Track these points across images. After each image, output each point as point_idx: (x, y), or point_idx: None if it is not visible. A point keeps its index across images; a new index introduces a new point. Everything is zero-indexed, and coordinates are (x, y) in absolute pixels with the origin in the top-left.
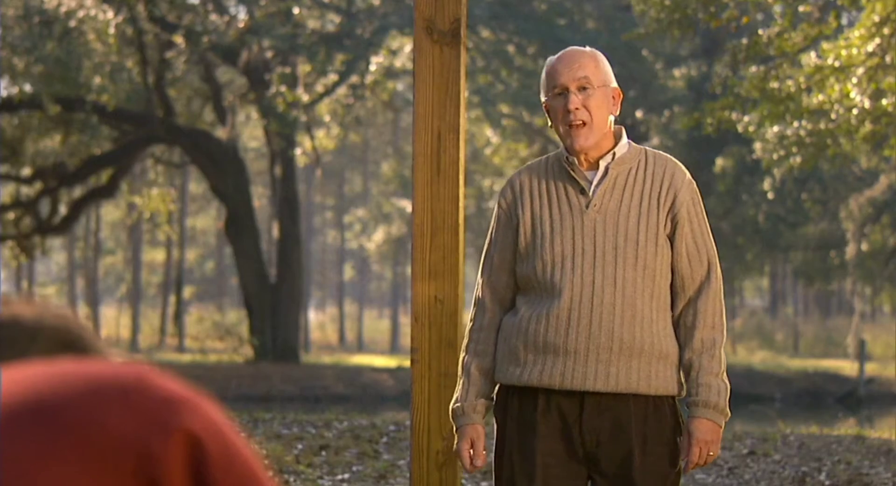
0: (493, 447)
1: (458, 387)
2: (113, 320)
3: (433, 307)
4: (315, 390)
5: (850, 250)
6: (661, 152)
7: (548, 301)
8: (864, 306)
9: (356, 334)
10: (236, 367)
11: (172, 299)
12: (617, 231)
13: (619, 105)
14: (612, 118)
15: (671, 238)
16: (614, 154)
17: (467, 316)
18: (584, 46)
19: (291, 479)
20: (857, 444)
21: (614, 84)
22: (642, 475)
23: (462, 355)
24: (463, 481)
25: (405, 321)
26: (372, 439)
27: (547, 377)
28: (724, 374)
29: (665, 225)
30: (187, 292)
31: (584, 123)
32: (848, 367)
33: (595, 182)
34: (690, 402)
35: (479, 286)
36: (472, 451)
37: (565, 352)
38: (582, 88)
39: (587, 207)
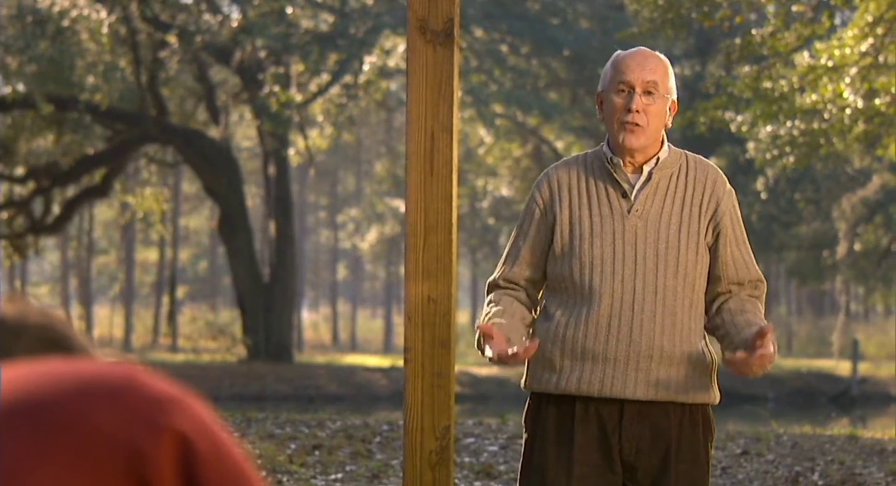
0: (522, 458)
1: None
2: (106, 320)
3: (426, 307)
4: (308, 389)
5: (841, 250)
6: (700, 157)
7: (584, 306)
8: (857, 306)
9: (349, 334)
10: (229, 366)
11: (166, 298)
12: (658, 238)
13: (672, 117)
14: (663, 130)
15: (713, 247)
16: (658, 158)
17: (461, 316)
18: (655, 51)
19: (284, 479)
20: (851, 444)
21: (675, 96)
22: (677, 482)
23: (486, 309)
24: (456, 480)
25: (398, 321)
26: (365, 438)
27: (586, 385)
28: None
29: (706, 234)
30: (180, 291)
31: (640, 126)
32: (841, 367)
33: (638, 186)
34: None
35: (498, 276)
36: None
37: (605, 359)
38: (648, 93)
39: (629, 211)
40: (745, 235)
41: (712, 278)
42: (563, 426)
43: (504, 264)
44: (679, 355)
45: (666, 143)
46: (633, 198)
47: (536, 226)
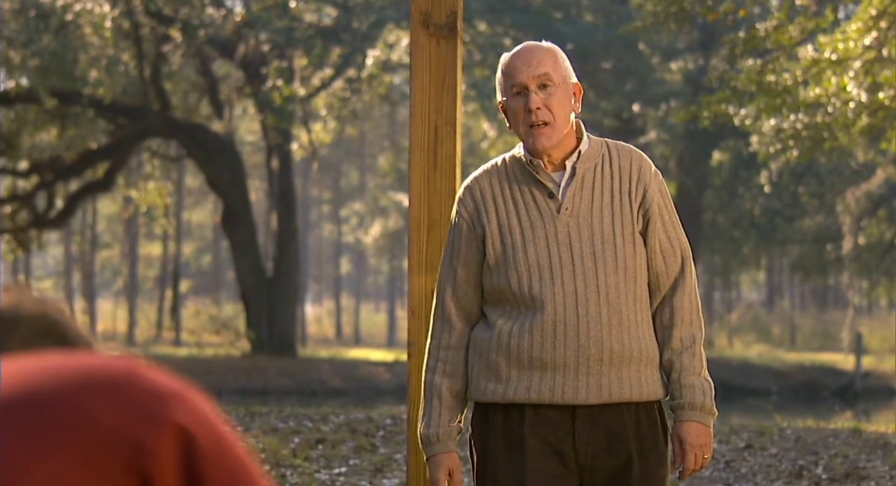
0: (473, 472)
1: (427, 410)
2: (109, 314)
3: (430, 301)
4: (312, 383)
5: (847, 244)
6: (622, 143)
7: (528, 314)
8: (861, 300)
9: (353, 328)
10: (233, 361)
11: (169, 292)
12: (593, 234)
13: (580, 102)
14: (573, 116)
15: (643, 234)
16: (579, 152)
17: None
18: (541, 41)
19: (288, 473)
20: (854, 437)
21: (574, 79)
22: (642, 482)
23: (427, 375)
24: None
25: (402, 315)
26: (368, 432)
27: (535, 393)
28: (706, 371)
29: (637, 221)
30: (184, 285)
31: (547, 123)
32: (844, 360)
33: (563, 184)
34: (675, 405)
35: (443, 301)
36: (448, 481)
37: (553, 367)
38: (543, 86)
39: (558, 211)
40: (674, 218)
41: (647, 267)
42: (512, 434)
43: (445, 287)
44: (629, 354)
45: (585, 134)
46: (560, 197)
47: (467, 242)
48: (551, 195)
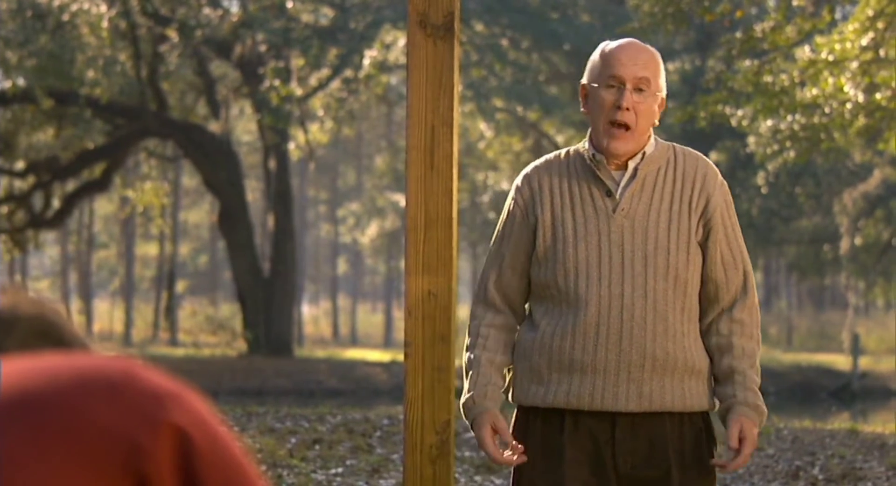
0: (511, 477)
1: (467, 381)
2: (106, 314)
3: (427, 301)
4: (308, 384)
5: (844, 245)
6: (690, 149)
7: (571, 314)
8: (858, 301)
9: (350, 329)
10: (229, 361)
11: (165, 293)
12: (646, 238)
13: (660, 115)
14: (651, 129)
15: (703, 245)
16: (644, 154)
17: (461, 310)
18: (645, 44)
19: (285, 473)
20: (851, 438)
21: (664, 93)
22: None
23: (466, 353)
24: (456, 475)
25: (399, 315)
26: (365, 433)
27: (575, 398)
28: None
29: (696, 231)
30: (180, 285)
31: (629, 128)
32: (841, 361)
33: (623, 184)
34: (739, 400)
35: (488, 285)
36: (496, 439)
37: (594, 370)
38: (639, 89)
39: (614, 210)
40: (737, 230)
41: (705, 278)
42: (551, 442)
43: (491, 271)
44: (672, 363)
45: (652, 136)
46: (618, 196)
47: (518, 229)
48: (609, 194)
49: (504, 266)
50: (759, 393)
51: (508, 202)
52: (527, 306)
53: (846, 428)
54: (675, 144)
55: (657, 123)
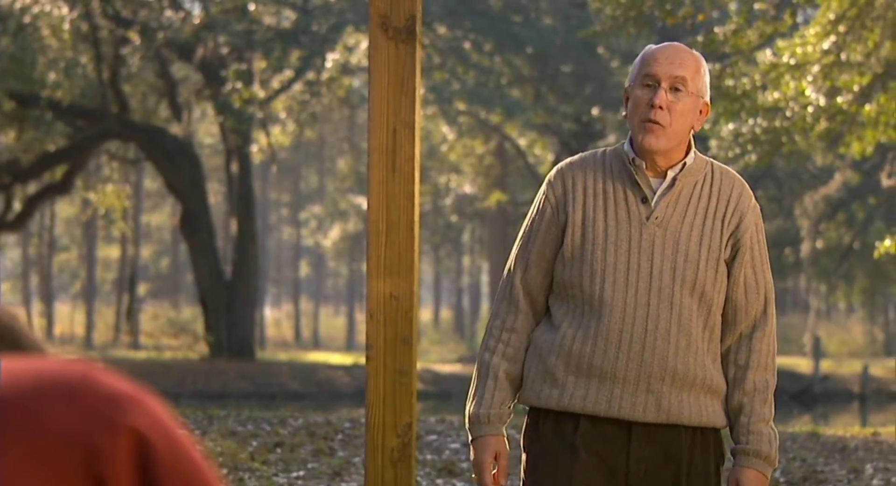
0: (521, 478)
1: (480, 389)
2: (67, 317)
3: (388, 304)
4: (270, 387)
5: (805, 248)
6: (727, 168)
7: (594, 318)
8: (820, 304)
9: (312, 331)
10: (191, 364)
11: (127, 295)
12: (677, 250)
13: (703, 121)
14: (691, 132)
15: (729, 265)
16: (684, 164)
17: (423, 313)
18: (689, 49)
19: (246, 476)
20: (812, 441)
21: (707, 98)
22: None
23: (484, 354)
24: (418, 478)
25: (361, 318)
26: (327, 436)
27: (591, 404)
28: (773, 420)
29: (725, 249)
30: (142, 288)
31: (662, 126)
32: (803, 364)
33: (660, 192)
34: (740, 450)
35: (513, 281)
36: (494, 466)
37: (613, 378)
38: (674, 89)
39: (648, 218)
40: (765, 254)
41: (726, 298)
42: (564, 444)
43: (516, 267)
44: (692, 380)
45: (693, 148)
46: (653, 204)
47: (547, 226)
48: (644, 200)
49: (530, 263)
50: (768, 429)
51: (539, 197)
52: (548, 308)
53: (807, 431)
54: (713, 160)
55: (697, 128)
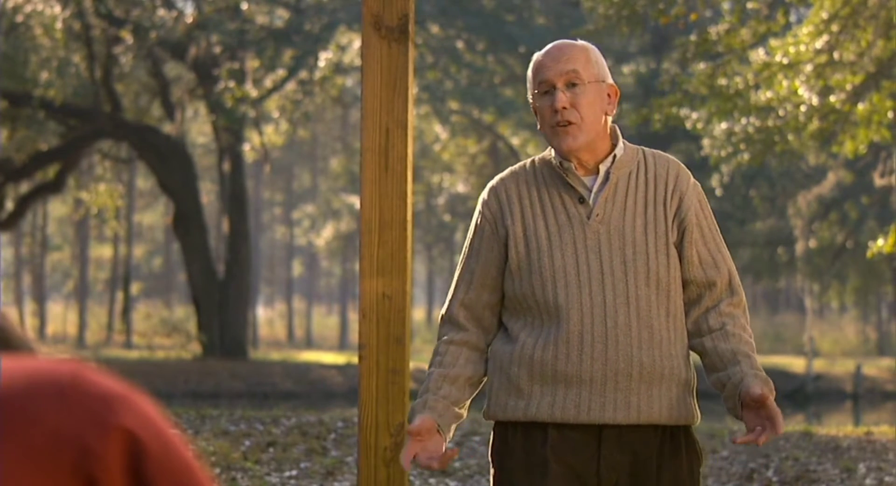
0: None
1: (421, 397)
2: (60, 317)
3: (381, 304)
4: (263, 386)
5: (799, 247)
6: (659, 151)
7: (552, 325)
8: (813, 303)
9: (305, 331)
10: (184, 363)
11: (120, 295)
12: (624, 243)
13: (615, 104)
14: (608, 119)
15: (679, 246)
16: (615, 157)
17: (416, 312)
18: (576, 40)
19: (239, 476)
20: (805, 440)
21: (609, 80)
22: None
23: (428, 371)
24: (411, 478)
25: (354, 318)
26: (320, 435)
27: (559, 411)
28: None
29: (672, 232)
30: (135, 288)
31: (573, 123)
32: (796, 363)
33: (595, 189)
34: (749, 375)
35: (453, 303)
36: (419, 445)
37: (579, 381)
38: (571, 84)
39: (588, 217)
40: (715, 230)
41: (686, 280)
42: (534, 457)
43: (457, 290)
44: (660, 372)
45: (620, 139)
46: (591, 202)
47: (488, 243)
48: (582, 200)
49: (473, 282)
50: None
51: (476, 217)
52: (503, 324)
53: (800, 430)
54: (643, 147)
55: (611, 112)
